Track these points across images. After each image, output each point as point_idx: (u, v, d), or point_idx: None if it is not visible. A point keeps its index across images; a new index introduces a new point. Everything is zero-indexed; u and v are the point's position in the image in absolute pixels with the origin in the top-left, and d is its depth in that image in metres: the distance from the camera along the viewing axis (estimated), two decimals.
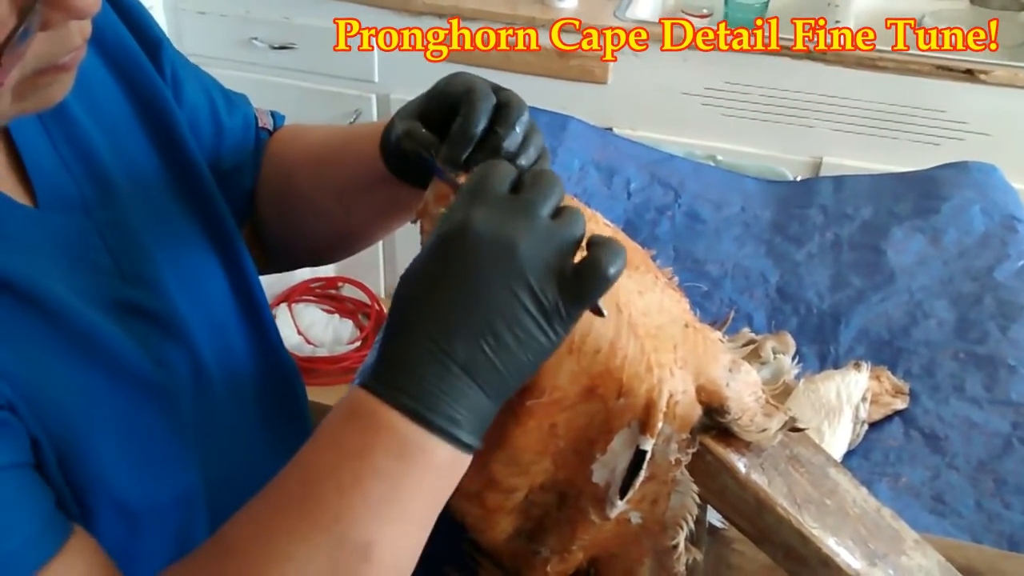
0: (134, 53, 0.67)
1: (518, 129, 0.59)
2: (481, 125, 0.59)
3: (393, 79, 2.00)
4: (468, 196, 0.50)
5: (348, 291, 2.31)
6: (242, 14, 2.03)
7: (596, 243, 0.49)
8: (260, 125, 0.80)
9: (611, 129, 1.75)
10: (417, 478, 0.47)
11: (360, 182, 0.71)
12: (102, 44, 0.66)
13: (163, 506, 0.58)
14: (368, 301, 2.26)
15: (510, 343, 0.47)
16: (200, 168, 0.69)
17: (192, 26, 2.08)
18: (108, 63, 0.66)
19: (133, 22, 0.69)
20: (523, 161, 0.60)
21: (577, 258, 0.49)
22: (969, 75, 1.67)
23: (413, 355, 0.47)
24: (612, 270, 0.48)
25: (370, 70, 2.00)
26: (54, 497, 0.52)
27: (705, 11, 1.96)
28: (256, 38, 2.04)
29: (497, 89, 0.61)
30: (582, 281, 0.48)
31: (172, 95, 0.70)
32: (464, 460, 0.49)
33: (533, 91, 1.78)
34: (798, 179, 1.32)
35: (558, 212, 0.50)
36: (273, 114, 0.82)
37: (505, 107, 0.60)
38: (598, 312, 0.51)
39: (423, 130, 0.61)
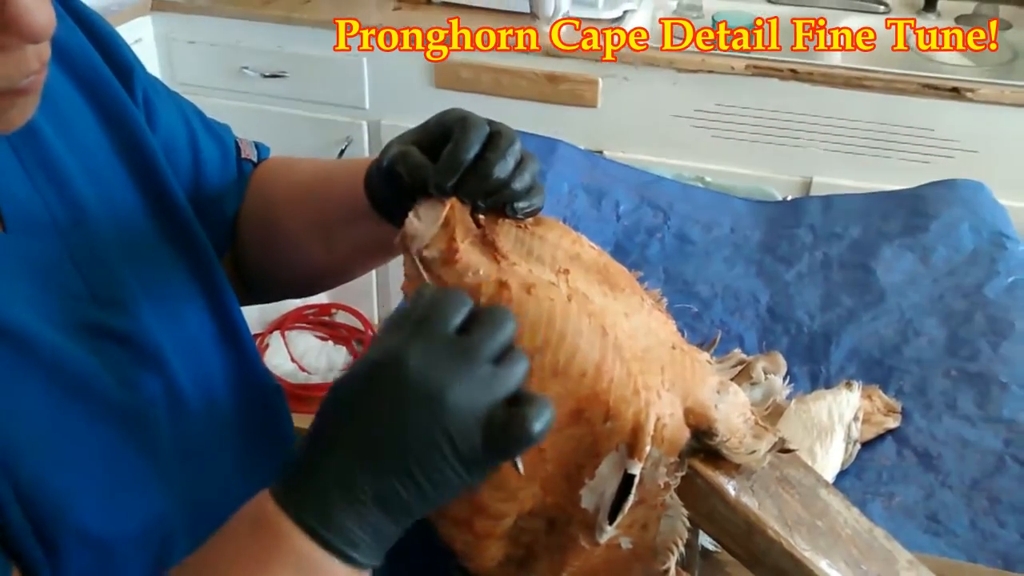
0: (106, 78, 0.67)
1: (509, 158, 0.59)
2: (472, 152, 0.58)
3: (384, 106, 2.01)
4: (413, 325, 0.49)
5: (342, 317, 2.30)
6: (233, 43, 2.04)
7: (525, 400, 0.48)
8: (243, 156, 0.80)
9: (601, 152, 1.76)
10: None
11: (342, 216, 0.71)
12: (74, 69, 0.66)
13: (135, 535, 0.57)
14: (362, 327, 2.26)
15: (423, 485, 0.47)
16: (175, 193, 0.69)
17: (183, 56, 2.09)
18: (80, 88, 0.66)
19: (105, 47, 0.69)
20: (517, 186, 0.60)
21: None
22: (955, 93, 1.68)
23: (324, 476, 0.47)
24: (537, 429, 0.48)
25: (361, 97, 2.01)
26: None
27: None
28: (247, 67, 2.05)
29: (491, 123, 0.61)
30: (506, 438, 0.48)
31: (145, 120, 0.69)
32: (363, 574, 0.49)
33: (524, 115, 1.81)
34: (788, 199, 1.32)
35: (503, 354, 0.50)
36: (257, 145, 0.82)
37: (496, 136, 0.60)
38: (515, 467, 0.51)
39: (418, 153, 0.61)
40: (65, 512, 0.54)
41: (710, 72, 1.77)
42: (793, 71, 1.74)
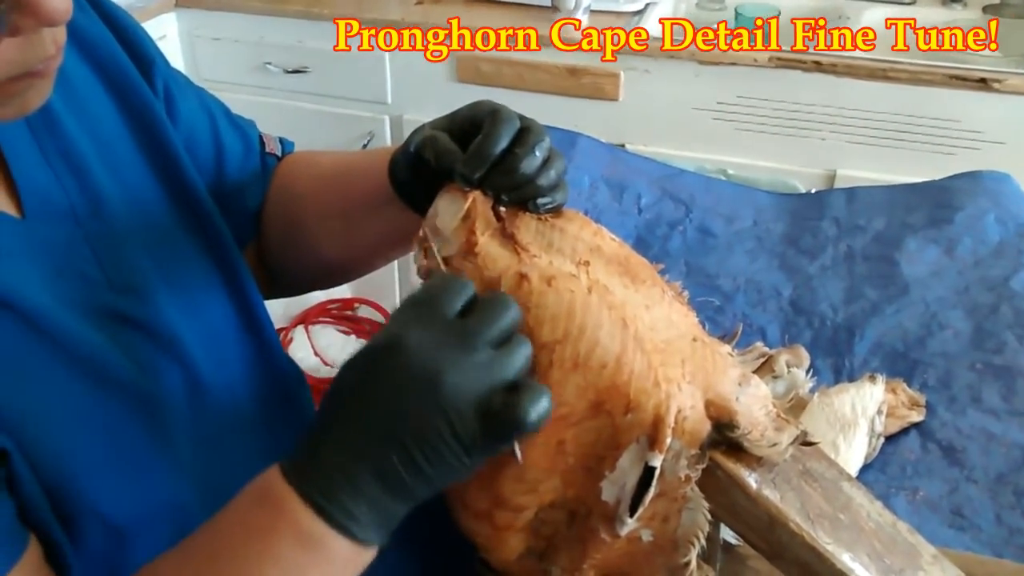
0: (127, 69, 0.68)
1: (537, 153, 0.59)
2: (501, 145, 0.58)
3: (406, 100, 2.01)
4: (413, 309, 0.50)
5: (364, 312, 2.31)
6: (256, 39, 2.05)
7: (523, 387, 0.49)
8: (267, 150, 0.80)
9: (623, 145, 1.76)
10: (317, 567, 0.49)
11: (366, 203, 0.72)
12: (95, 59, 0.67)
13: (151, 519, 0.58)
14: (384, 321, 2.27)
15: (421, 464, 0.48)
16: (195, 184, 0.70)
17: (207, 52, 2.11)
18: (101, 78, 0.67)
19: (127, 39, 0.69)
20: (543, 182, 0.60)
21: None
22: (983, 84, 1.66)
23: (328, 452, 0.49)
24: (532, 417, 0.48)
25: (383, 92, 2.01)
26: (14, 507, 0.53)
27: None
28: (270, 63, 2.06)
29: (521, 118, 0.61)
30: (500, 423, 0.48)
31: (165, 111, 0.70)
32: (366, 553, 0.50)
33: (545, 109, 1.80)
34: (811, 192, 1.31)
35: (504, 341, 0.50)
36: (282, 140, 0.83)
37: (526, 131, 0.60)
38: (514, 455, 0.52)
39: (448, 140, 0.61)
40: (80, 493, 0.55)
41: (732, 64, 1.76)
42: (817, 63, 1.73)
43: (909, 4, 1.98)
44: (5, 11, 0.45)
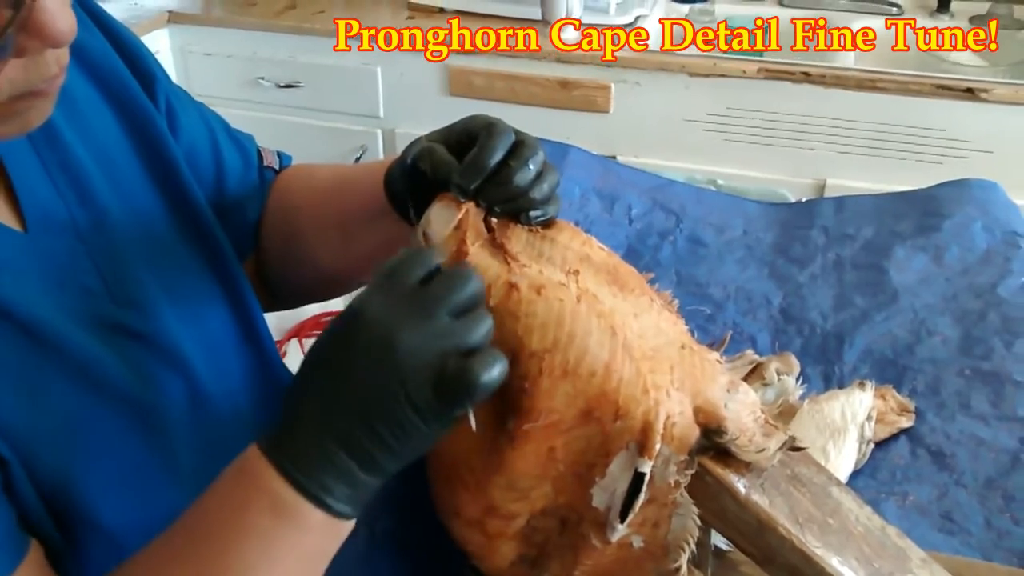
0: (129, 85, 0.69)
1: (531, 167, 0.60)
2: (496, 158, 0.59)
3: (398, 114, 2.02)
4: (378, 281, 0.51)
5: None
6: (248, 54, 2.06)
7: (478, 352, 0.49)
8: (265, 164, 0.81)
9: (614, 157, 1.77)
10: (292, 537, 0.49)
11: (361, 216, 0.72)
12: (97, 75, 0.68)
13: (150, 530, 0.58)
14: None
15: (384, 434, 0.49)
16: (196, 198, 0.71)
17: (200, 68, 2.12)
18: (103, 93, 0.68)
19: (129, 56, 0.71)
20: (536, 195, 0.61)
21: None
22: (969, 93, 1.68)
23: (300, 424, 0.50)
24: (484, 380, 0.48)
25: (375, 106, 2.02)
26: (14, 514, 0.53)
27: None
28: (262, 77, 2.07)
29: (516, 132, 0.62)
30: (454, 387, 0.49)
31: (167, 127, 0.71)
32: (341, 526, 0.51)
33: (537, 121, 1.82)
34: (802, 201, 1.32)
35: (465, 312, 0.51)
36: (280, 154, 0.84)
37: (520, 145, 0.61)
38: (468, 423, 0.52)
39: (444, 151, 0.62)
40: (79, 503, 0.55)
41: (722, 76, 1.78)
42: (805, 74, 1.74)
43: (896, 15, 1.99)
44: (12, 33, 0.45)
